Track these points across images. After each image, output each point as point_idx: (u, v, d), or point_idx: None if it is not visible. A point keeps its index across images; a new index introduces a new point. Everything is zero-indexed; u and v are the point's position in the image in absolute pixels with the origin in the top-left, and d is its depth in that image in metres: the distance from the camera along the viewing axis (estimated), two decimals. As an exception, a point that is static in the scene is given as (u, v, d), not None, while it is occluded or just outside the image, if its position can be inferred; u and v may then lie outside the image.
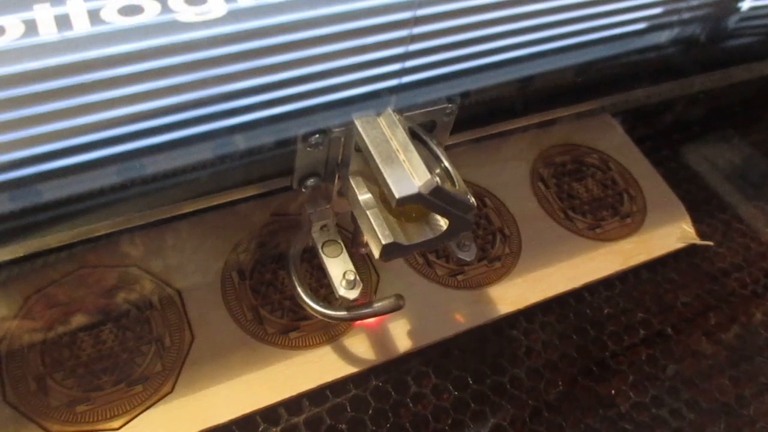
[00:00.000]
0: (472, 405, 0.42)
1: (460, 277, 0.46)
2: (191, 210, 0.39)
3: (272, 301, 0.43)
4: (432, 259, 0.47)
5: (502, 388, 0.43)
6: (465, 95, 0.42)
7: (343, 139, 0.35)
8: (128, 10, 0.32)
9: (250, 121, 0.37)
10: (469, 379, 0.43)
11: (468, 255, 0.40)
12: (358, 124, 0.33)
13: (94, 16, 0.31)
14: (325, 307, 0.38)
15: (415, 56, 0.42)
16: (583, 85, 0.49)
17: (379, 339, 0.42)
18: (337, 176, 0.38)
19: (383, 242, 0.33)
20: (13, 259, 0.41)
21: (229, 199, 0.39)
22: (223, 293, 0.43)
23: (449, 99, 0.37)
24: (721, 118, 0.66)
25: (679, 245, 0.52)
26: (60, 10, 0.31)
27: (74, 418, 0.37)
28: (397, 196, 0.30)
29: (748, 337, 0.49)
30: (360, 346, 0.42)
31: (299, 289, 0.39)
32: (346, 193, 0.37)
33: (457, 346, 0.44)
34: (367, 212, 0.34)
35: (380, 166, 0.31)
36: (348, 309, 0.38)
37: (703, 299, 0.50)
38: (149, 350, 0.40)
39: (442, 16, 0.40)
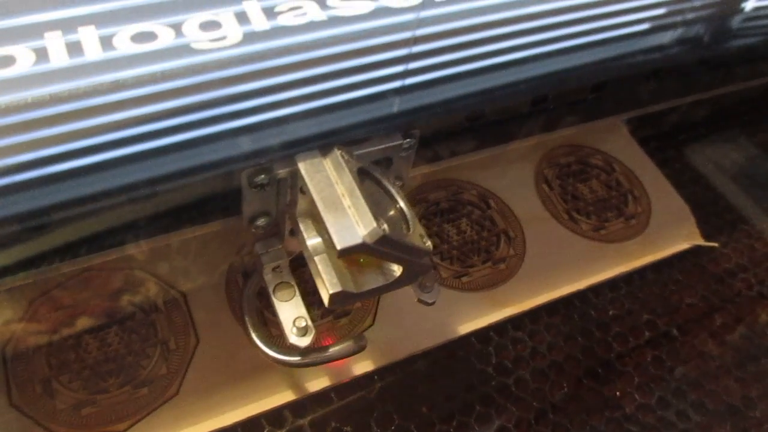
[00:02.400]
0: (477, 407, 0.42)
1: (464, 279, 0.46)
2: (198, 234, 0.38)
3: (277, 304, 0.43)
4: (436, 261, 0.47)
5: (507, 390, 0.43)
6: (479, 116, 0.41)
7: (289, 180, 0.33)
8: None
9: (256, 123, 0.37)
10: (474, 380, 0.43)
11: (430, 297, 0.38)
12: (301, 166, 0.31)
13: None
14: (277, 352, 0.37)
15: (419, 58, 0.42)
16: (597, 100, 0.49)
17: (384, 341, 0.42)
18: (287, 216, 0.36)
19: (330, 291, 0.31)
20: (17, 264, 0.41)
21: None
22: (227, 296, 0.43)
23: (406, 134, 0.36)
24: (726, 119, 0.66)
25: (684, 246, 0.52)
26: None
27: (80, 421, 0.37)
28: (338, 247, 0.28)
29: (755, 338, 0.48)
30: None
31: (253, 334, 0.38)
32: (296, 235, 0.35)
33: (462, 347, 0.44)
34: (315, 258, 0.32)
35: (323, 213, 0.29)
36: (302, 354, 0.37)
37: (709, 300, 0.50)
38: (154, 353, 0.40)
39: (446, 18, 0.40)
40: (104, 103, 0.30)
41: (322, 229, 0.33)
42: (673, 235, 0.52)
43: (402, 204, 0.33)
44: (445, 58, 0.43)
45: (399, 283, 0.33)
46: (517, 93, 0.48)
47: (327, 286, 0.31)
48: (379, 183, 0.34)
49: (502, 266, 0.48)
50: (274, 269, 0.38)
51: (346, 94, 0.40)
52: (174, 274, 0.43)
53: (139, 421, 0.37)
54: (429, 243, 0.33)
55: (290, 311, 0.37)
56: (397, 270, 0.33)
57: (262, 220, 0.36)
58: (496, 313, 0.45)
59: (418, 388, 0.42)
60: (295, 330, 0.36)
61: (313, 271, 0.33)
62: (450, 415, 0.41)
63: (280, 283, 0.38)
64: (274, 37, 0.35)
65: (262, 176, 0.33)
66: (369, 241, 0.29)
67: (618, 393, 0.44)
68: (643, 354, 0.46)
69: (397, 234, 0.31)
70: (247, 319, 0.39)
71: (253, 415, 0.38)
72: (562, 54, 0.48)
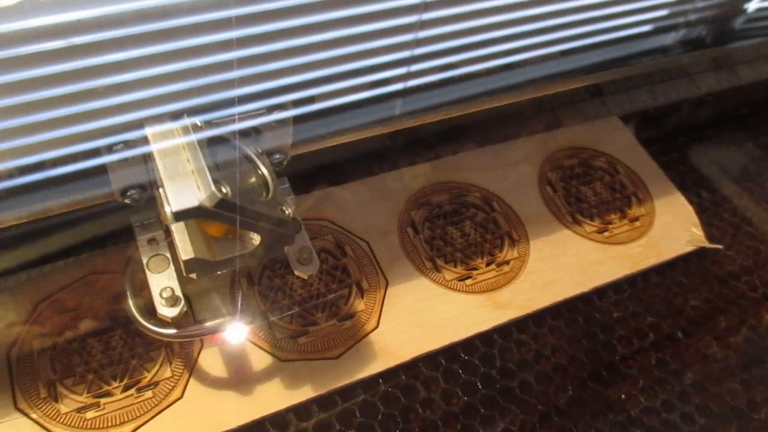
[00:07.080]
0: (482, 410, 0.42)
1: (468, 282, 0.46)
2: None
3: (281, 307, 0.43)
4: (440, 263, 0.47)
5: (511, 393, 0.43)
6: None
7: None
8: None
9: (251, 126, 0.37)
10: (478, 383, 0.43)
11: (307, 270, 0.38)
12: (149, 132, 0.31)
13: None
14: (154, 325, 0.36)
15: (421, 60, 0.42)
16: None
17: (387, 344, 0.42)
18: (155, 187, 0.35)
19: (183, 258, 0.31)
20: (21, 265, 0.41)
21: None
22: (232, 299, 0.43)
23: (274, 106, 0.36)
24: (730, 121, 0.66)
25: (689, 248, 0.52)
26: None
27: (84, 425, 0.37)
28: (173, 209, 0.28)
29: (759, 341, 0.48)
30: (368, 352, 0.42)
31: (130, 302, 0.37)
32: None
33: (466, 350, 0.44)
34: (172, 226, 0.32)
35: (163, 177, 0.29)
36: (178, 328, 0.36)
37: (713, 303, 0.50)
38: (158, 356, 0.40)
39: (448, 19, 0.40)
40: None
41: None
42: (677, 238, 0.52)
43: (264, 170, 0.33)
44: (446, 59, 0.43)
45: (260, 252, 0.33)
46: (521, 94, 0.48)
47: (180, 253, 0.31)
48: (242, 152, 0.34)
49: (506, 268, 0.48)
50: (149, 241, 0.38)
51: (351, 96, 0.40)
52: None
53: (143, 424, 0.37)
54: (289, 211, 0.32)
55: (160, 282, 0.36)
56: (255, 240, 0.33)
57: (134, 192, 0.35)
58: (499, 315, 0.45)
59: (421, 390, 0.42)
60: (163, 301, 0.36)
61: (173, 240, 0.32)
62: (454, 417, 0.41)
63: (155, 255, 0.38)
64: (274, 39, 0.35)
65: (120, 146, 0.33)
66: (208, 204, 0.29)
67: (622, 396, 0.44)
68: (647, 357, 0.46)
69: (246, 200, 0.30)
70: (127, 288, 0.38)
71: (257, 419, 0.38)
72: (566, 55, 0.48)
